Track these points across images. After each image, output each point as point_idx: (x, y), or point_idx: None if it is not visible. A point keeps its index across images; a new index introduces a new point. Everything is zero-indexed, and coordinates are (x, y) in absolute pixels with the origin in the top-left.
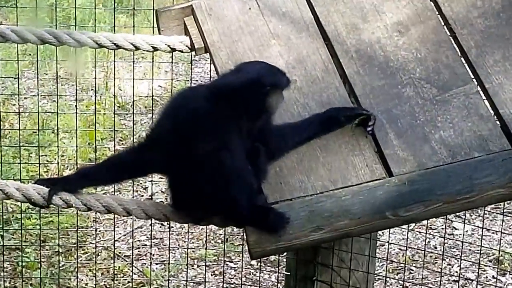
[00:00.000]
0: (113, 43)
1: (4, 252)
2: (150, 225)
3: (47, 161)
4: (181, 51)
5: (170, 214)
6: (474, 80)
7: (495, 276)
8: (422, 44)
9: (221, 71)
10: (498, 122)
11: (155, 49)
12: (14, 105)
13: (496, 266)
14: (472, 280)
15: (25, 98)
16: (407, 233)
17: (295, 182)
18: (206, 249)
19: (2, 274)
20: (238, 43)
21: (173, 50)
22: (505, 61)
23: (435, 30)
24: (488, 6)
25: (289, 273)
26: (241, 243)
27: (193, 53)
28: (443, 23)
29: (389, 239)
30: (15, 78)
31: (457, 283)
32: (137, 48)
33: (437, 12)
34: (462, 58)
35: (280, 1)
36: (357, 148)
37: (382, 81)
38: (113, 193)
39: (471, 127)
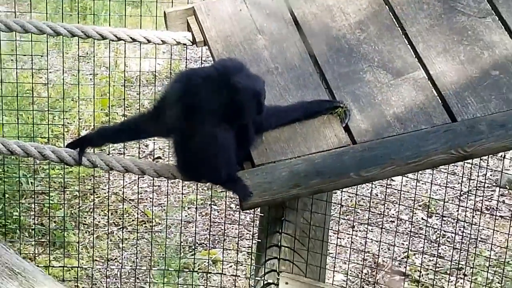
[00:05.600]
0: (129, 37)
1: (34, 196)
2: None
3: (68, 123)
4: (185, 44)
5: (176, 173)
6: (421, 67)
7: (424, 217)
8: (379, 39)
9: (217, 59)
10: (440, 101)
11: (164, 42)
12: (41, 77)
13: (425, 210)
14: (405, 221)
15: (50, 72)
16: None
17: (277, 148)
18: (197, 195)
19: (32, 213)
20: (231, 38)
21: (178, 43)
22: (446, 53)
23: (390, 28)
24: (432, 9)
25: (262, 215)
26: (223, 190)
27: (195, 45)
28: (396, 22)
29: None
30: (42, 56)
31: (393, 223)
32: (149, 41)
33: (391, 14)
34: (412, 50)
35: (265, 5)
36: (327, 122)
37: (347, 68)
38: (121, 148)
39: (419, 105)
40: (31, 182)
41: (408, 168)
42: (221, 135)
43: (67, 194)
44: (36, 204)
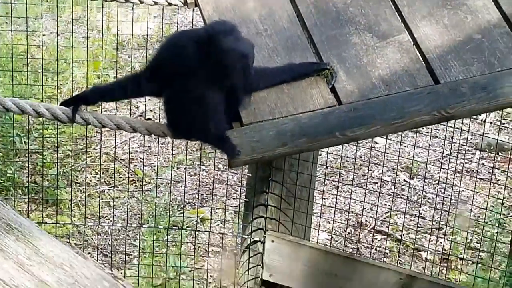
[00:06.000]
0: None
1: (27, 155)
2: (142, 135)
3: (61, 84)
4: (176, 5)
5: (167, 131)
6: (406, 31)
7: (406, 179)
8: (366, 3)
9: (208, 21)
10: (424, 64)
11: (156, 3)
12: (34, 40)
13: (408, 172)
14: (388, 182)
15: (44, 35)
16: (341, 145)
17: (265, 108)
18: (186, 155)
19: (25, 171)
20: (221, 0)
21: (170, 4)
22: (430, 16)
23: None
24: None
25: (250, 175)
26: (212, 151)
27: (186, 7)
28: None
29: (327, 149)
30: (36, 19)
31: (376, 184)
32: (141, 2)
33: None
34: (397, 14)
35: None
36: (314, 83)
37: (334, 31)
38: (113, 110)
39: (403, 68)
40: (25, 142)
41: (392, 128)
42: (210, 97)
43: (60, 153)
44: (29, 163)
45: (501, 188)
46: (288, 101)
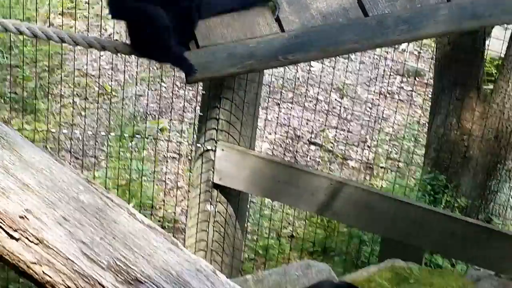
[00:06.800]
0: None
1: (9, 68)
2: (110, 54)
3: (39, 7)
4: None
5: (132, 50)
6: None
7: (337, 99)
8: None
9: None
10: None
11: None
12: None
13: (339, 92)
14: (322, 101)
15: None
16: (283, 68)
17: (218, 34)
18: (149, 73)
19: (7, 83)
20: None
21: None
22: None
23: None
24: None
25: (204, 92)
26: (171, 69)
27: None
28: None
29: (271, 71)
30: None
31: (312, 103)
32: None
33: None
34: None
35: None
36: (261, 13)
37: None
38: (84, 31)
39: (338, 2)
40: (7, 57)
41: (327, 53)
42: (165, 19)
43: (38, 68)
44: (11, 76)
45: (418, 108)
46: (238, 28)
